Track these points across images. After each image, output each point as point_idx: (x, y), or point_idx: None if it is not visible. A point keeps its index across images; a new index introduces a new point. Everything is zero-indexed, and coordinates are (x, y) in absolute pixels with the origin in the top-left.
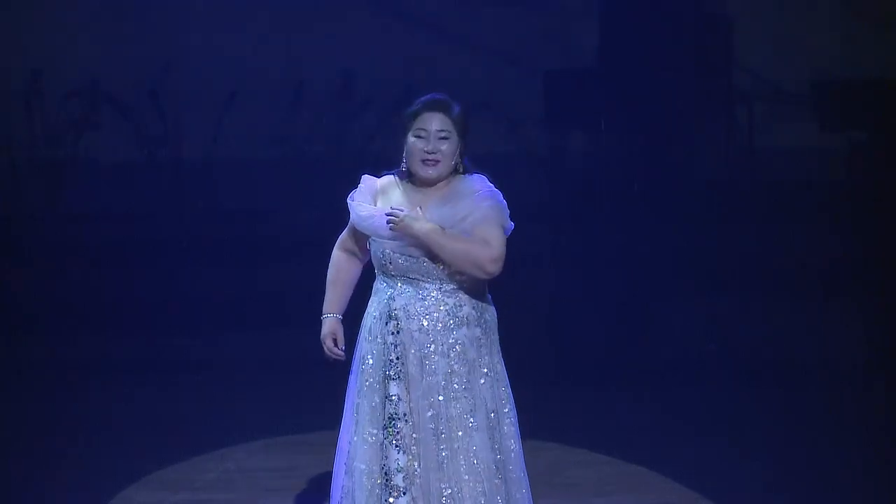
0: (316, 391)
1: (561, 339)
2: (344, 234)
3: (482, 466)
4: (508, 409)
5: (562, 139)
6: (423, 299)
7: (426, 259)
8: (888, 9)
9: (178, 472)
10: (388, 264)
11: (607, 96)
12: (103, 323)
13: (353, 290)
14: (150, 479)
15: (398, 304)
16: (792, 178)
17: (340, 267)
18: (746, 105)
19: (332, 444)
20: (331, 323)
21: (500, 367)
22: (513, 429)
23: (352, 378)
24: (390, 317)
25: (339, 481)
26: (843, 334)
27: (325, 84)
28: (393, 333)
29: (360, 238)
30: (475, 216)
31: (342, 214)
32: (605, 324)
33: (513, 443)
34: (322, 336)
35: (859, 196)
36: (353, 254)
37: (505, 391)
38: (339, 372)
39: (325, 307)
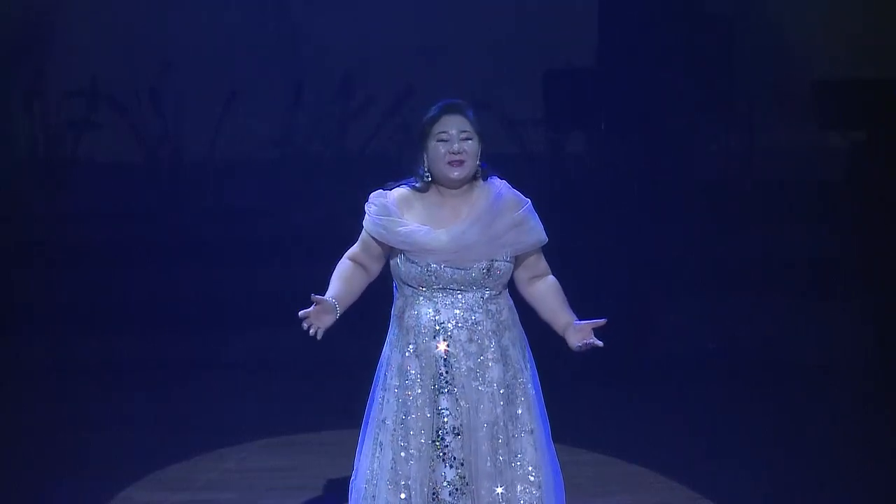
0: (316, 391)
1: (560, 338)
2: (355, 249)
3: (532, 468)
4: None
5: (562, 139)
6: (470, 309)
7: (475, 269)
8: (888, 9)
9: (178, 472)
10: (433, 278)
11: (607, 96)
12: (103, 323)
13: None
14: (150, 479)
15: (444, 316)
16: (792, 178)
17: (348, 270)
18: (746, 105)
19: (332, 443)
20: (328, 302)
21: (533, 362)
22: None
23: (385, 392)
24: (437, 331)
25: (382, 495)
26: (842, 334)
27: (325, 84)
28: (442, 347)
29: (376, 253)
30: (530, 241)
31: (342, 214)
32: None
33: (549, 441)
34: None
35: (859, 196)
36: (363, 267)
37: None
38: (339, 373)
39: (328, 294)
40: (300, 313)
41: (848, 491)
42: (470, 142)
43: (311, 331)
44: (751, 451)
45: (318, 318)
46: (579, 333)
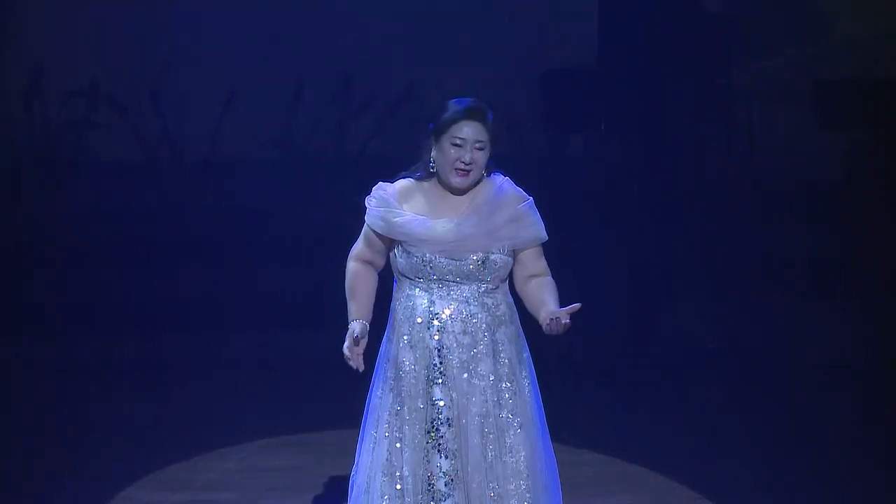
0: (316, 391)
1: (560, 339)
2: (358, 246)
3: (524, 465)
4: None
5: (561, 139)
6: (465, 301)
7: (471, 261)
8: (888, 9)
9: (178, 472)
10: (429, 268)
11: (607, 96)
12: (103, 323)
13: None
14: (150, 479)
15: (439, 307)
16: (792, 178)
17: (360, 276)
18: (746, 105)
19: (332, 444)
20: (360, 325)
21: (531, 362)
22: (543, 423)
23: (382, 386)
24: (432, 322)
25: (376, 486)
26: (842, 334)
27: (325, 84)
28: (436, 338)
29: (379, 247)
30: (528, 236)
31: (342, 214)
32: (604, 323)
33: (546, 440)
34: (348, 334)
35: (859, 196)
36: (370, 264)
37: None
38: (339, 373)
39: (352, 314)
40: (346, 354)
41: (848, 491)
42: (482, 152)
43: (359, 368)
44: (751, 451)
45: (357, 347)
46: (551, 315)
